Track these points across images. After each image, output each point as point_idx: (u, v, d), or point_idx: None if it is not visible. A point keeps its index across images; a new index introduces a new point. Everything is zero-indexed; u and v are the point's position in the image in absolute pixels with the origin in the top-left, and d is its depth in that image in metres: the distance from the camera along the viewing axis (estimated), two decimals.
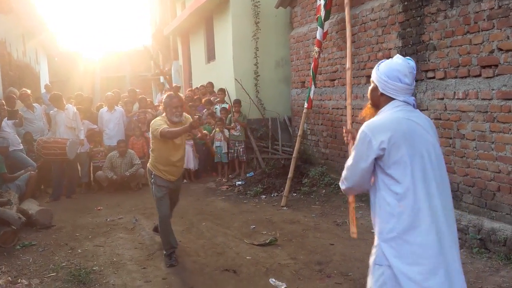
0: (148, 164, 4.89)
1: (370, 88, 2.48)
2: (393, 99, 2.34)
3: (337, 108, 7.19)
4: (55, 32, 19.07)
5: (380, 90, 2.37)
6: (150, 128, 4.70)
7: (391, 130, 2.22)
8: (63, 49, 24.25)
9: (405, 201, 2.19)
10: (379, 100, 2.41)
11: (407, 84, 2.31)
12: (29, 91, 8.80)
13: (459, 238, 4.57)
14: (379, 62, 2.43)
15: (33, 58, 16.75)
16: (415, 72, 2.35)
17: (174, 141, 4.69)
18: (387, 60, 2.41)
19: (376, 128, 2.26)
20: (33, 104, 8.80)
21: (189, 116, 4.89)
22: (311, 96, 6.97)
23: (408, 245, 2.17)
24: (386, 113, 2.34)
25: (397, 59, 2.37)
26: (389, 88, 2.33)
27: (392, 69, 2.33)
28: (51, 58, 22.64)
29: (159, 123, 4.58)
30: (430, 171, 2.21)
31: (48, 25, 16.32)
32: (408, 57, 2.39)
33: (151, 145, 4.86)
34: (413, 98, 2.38)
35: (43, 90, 14.84)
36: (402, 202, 2.20)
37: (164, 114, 4.75)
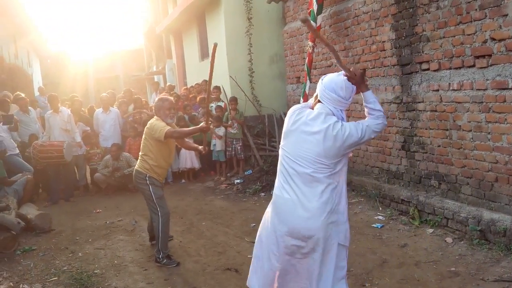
0: (139, 168, 4.80)
1: (314, 95, 2.88)
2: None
3: None
4: (45, 33, 19.02)
5: (318, 97, 2.79)
6: (149, 131, 4.69)
7: (287, 125, 2.82)
8: (55, 50, 24.15)
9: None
10: (316, 102, 2.84)
11: (341, 97, 2.70)
12: (23, 95, 8.76)
13: (459, 230, 4.61)
14: (324, 75, 2.83)
15: (25, 61, 16.68)
16: (354, 90, 2.74)
17: (171, 143, 4.77)
18: (332, 74, 2.80)
19: (287, 116, 2.87)
20: (28, 108, 8.77)
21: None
22: (307, 91, 6.96)
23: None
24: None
25: (339, 75, 2.75)
26: (325, 96, 2.74)
27: (331, 81, 2.73)
28: (43, 60, 22.53)
29: (161, 124, 4.63)
30: (291, 166, 2.74)
31: (38, 26, 16.25)
32: None
33: (146, 147, 4.78)
34: (343, 113, 2.78)
35: (36, 93, 14.77)
36: None
37: (155, 116, 4.80)
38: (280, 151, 2.86)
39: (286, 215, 2.74)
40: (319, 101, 2.79)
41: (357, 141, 2.70)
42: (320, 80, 2.81)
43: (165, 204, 4.81)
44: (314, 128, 2.69)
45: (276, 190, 2.86)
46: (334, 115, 2.72)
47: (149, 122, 4.81)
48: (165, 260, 4.69)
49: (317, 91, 2.81)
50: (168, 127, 4.61)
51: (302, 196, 2.69)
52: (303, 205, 2.69)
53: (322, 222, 2.67)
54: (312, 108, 2.86)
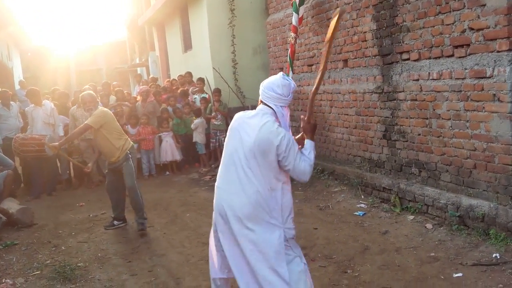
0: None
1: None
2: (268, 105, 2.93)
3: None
4: (26, 25, 18.66)
5: (260, 98, 2.99)
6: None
7: (230, 126, 3.01)
8: (36, 44, 23.74)
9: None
10: (259, 103, 3.02)
11: (279, 94, 2.89)
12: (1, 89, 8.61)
13: (439, 217, 4.70)
14: (265, 80, 3.02)
15: (5, 54, 16.39)
16: (291, 87, 2.92)
17: (96, 135, 5.49)
18: (271, 77, 3.02)
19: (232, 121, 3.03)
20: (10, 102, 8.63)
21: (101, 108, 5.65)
22: None
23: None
24: None
25: (277, 75, 2.97)
26: (265, 96, 2.94)
27: (269, 82, 2.95)
28: (23, 53, 22.17)
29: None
30: (235, 156, 2.87)
31: (18, 19, 15.97)
32: (289, 78, 2.99)
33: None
34: (283, 109, 2.94)
35: (17, 87, 14.52)
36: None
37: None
38: (224, 149, 3.01)
39: (225, 199, 2.89)
40: (261, 101, 2.98)
41: (282, 150, 2.78)
42: (261, 85, 3.01)
43: (108, 176, 5.82)
44: (251, 123, 2.90)
45: (217, 183, 3.00)
46: (275, 112, 2.91)
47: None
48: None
49: (260, 95, 3.00)
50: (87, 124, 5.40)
51: (240, 186, 2.82)
52: (239, 192, 2.82)
53: (253, 207, 2.78)
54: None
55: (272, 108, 2.90)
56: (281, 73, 2.99)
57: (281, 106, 2.93)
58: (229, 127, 3.02)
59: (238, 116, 3.03)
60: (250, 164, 2.81)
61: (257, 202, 2.79)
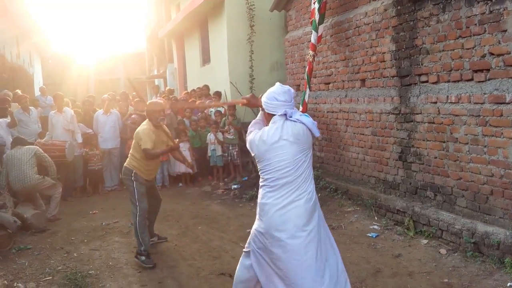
0: (127, 164, 5.09)
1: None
2: (274, 115, 3.09)
3: (332, 112, 7.23)
4: (48, 34, 19.07)
5: (265, 110, 3.17)
6: (137, 137, 4.97)
7: (261, 144, 3.05)
8: (57, 51, 24.21)
9: None
10: (267, 117, 3.20)
11: (282, 101, 3.07)
12: (19, 91, 8.79)
13: (453, 242, 4.64)
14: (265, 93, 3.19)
15: (27, 61, 16.72)
16: (291, 92, 3.13)
17: (157, 149, 5.02)
18: (269, 89, 3.18)
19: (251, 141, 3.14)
20: (29, 107, 8.79)
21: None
22: (306, 99, 7.00)
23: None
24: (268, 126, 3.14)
25: (275, 85, 3.16)
26: (269, 106, 3.11)
27: (269, 93, 3.13)
28: (45, 60, 22.60)
29: (146, 138, 4.88)
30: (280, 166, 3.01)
31: (41, 27, 16.34)
32: (287, 86, 3.18)
33: (134, 148, 5.05)
34: (291, 111, 3.09)
35: (37, 93, 14.80)
36: None
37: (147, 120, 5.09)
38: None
39: None
40: (267, 113, 3.17)
41: None
42: (262, 98, 3.18)
43: (145, 201, 5.01)
44: (272, 138, 3.07)
45: None
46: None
47: (139, 127, 5.06)
48: (143, 258, 4.79)
49: (264, 107, 3.16)
50: (148, 145, 4.86)
51: None
52: None
53: None
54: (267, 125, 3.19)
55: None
56: (277, 83, 3.17)
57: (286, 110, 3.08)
58: (260, 146, 3.07)
59: (269, 131, 3.06)
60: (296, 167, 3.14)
61: None
